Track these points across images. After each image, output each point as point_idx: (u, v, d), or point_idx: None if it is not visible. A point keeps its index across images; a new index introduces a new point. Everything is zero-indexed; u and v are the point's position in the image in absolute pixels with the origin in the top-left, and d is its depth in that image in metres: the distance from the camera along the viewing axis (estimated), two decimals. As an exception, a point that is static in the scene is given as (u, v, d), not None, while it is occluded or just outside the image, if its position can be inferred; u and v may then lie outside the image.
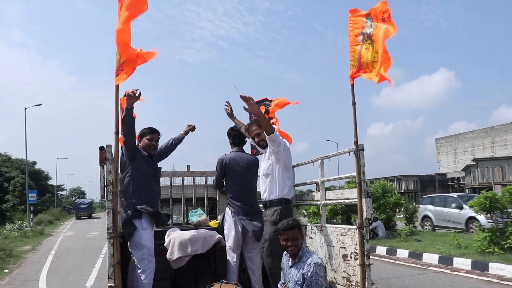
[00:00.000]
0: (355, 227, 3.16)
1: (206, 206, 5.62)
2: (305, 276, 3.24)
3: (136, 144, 4.13)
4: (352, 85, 3.27)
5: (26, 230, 20.40)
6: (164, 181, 5.30)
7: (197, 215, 5.18)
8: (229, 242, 4.47)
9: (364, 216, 3.03)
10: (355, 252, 3.16)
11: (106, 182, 2.62)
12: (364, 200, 3.05)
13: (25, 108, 24.25)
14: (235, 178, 4.48)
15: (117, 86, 2.80)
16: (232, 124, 4.73)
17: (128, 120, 3.67)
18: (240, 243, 4.58)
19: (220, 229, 4.69)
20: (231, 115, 4.58)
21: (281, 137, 4.06)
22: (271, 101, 4.95)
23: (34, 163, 57.16)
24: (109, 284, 2.58)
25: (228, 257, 4.43)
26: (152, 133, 4.13)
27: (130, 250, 3.89)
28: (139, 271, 3.76)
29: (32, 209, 25.48)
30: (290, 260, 3.46)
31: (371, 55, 3.05)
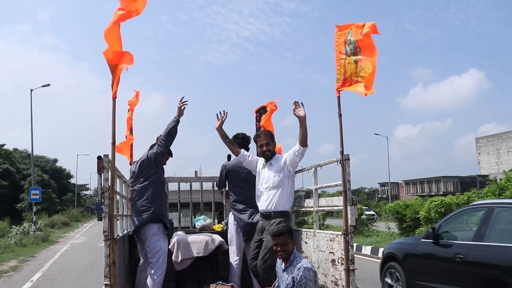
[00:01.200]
0: (341, 233, 3.53)
1: (213, 210, 6.13)
2: (294, 279, 3.59)
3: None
4: (338, 97, 3.59)
5: (30, 235, 19.14)
6: (172, 186, 5.92)
7: (202, 219, 5.69)
8: (232, 246, 4.96)
9: (349, 223, 3.38)
10: (341, 257, 3.48)
11: (103, 189, 3.08)
12: (349, 207, 3.39)
13: (31, 90, 23.82)
14: (238, 184, 4.96)
15: (114, 98, 3.25)
16: (236, 131, 5.15)
17: (175, 131, 4.36)
18: (243, 247, 5.03)
19: (224, 233, 5.19)
20: (221, 124, 4.68)
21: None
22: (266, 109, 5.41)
23: (55, 160, 58.47)
24: (105, 283, 3.00)
25: (231, 260, 4.92)
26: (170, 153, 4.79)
27: (146, 250, 4.41)
28: (152, 271, 4.30)
29: (36, 209, 24.41)
30: (283, 264, 3.87)
31: (354, 68, 3.41)
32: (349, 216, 3.38)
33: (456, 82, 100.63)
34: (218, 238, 4.98)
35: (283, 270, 3.82)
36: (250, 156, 4.72)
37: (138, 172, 4.51)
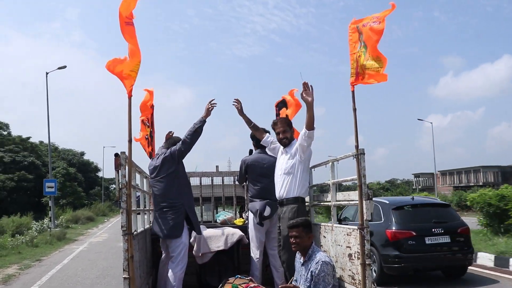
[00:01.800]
0: (357, 227, 3.65)
1: (234, 204, 6.38)
2: (312, 273, 3.75)
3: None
4: (353, 92, 3.69)
5: (45, 233, 17.71)
6: (194, 181, 6.19)
7: (223, 214, 5.93)
8: (252, 240, 5.16)
9: (365, 217, 3.49)
10: (357, 252, 3.61)
11: (120, 185, 3.30)
12: (364, 202, 3.51)
13: (47, 73, 23.22)
14: (257, 178, 5.15)
15: (129, 97, 3.48)
16: (264, 124, 5.31)
17: (200, 131, 4.59)
18: (263, 241, 5.23)
19: (245, 227, 5.40)
20: (240, 111, 5.00)
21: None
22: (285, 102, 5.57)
23: (82, 153, 59.22)
24: (123, 276, 3.24)
25: (252, 254, 5.13)
26: None
27: (168, 244, 4.66)
28: (173, 265, 4.55)
29: (58, 203, 24.36)
30: (302, 258, 4.03)
31: (363, 60, 3.53)
32: (364, 210, 3.50)
33: (488, 69, 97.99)
34: (238, 232, 5.22)
35: (302, 264, 3.98)
36: (274, 142, 4.93)
37: (160, 167, 4.67)
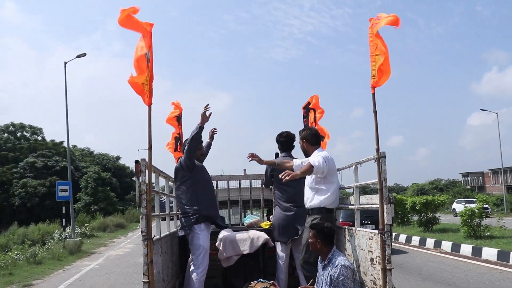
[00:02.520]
0: (377, 231, 3.75)
1: (262, 207, 6.61)
2: (332, 277, 3.90)
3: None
4: (373, 94, 3.79)
5: (57, 245, 16.03)
6: (222, 184, 6.53)
7: (250, 217, 6.15)
8: (278, 243, 5.35)
9: (385, 221, 3.59)
10: (379, 257, 3.68)
11: (141, 191, 3.53)
12: (385, 206, 3.60)
13: (65, 62, 22.53)
14: (282, 182, 5.36)
15: (149, 105, 3.72)
16: (281, 130, 5.59)
17: (198, 137, 4.85)
18: (290, 244, 5.41)
19: (271, 230, 5.57)
20: (261, 161, 5.09)
21: (321, 162, 4.50)
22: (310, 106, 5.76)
23: (118, 158, 60.56)
24: (143, 280, 3.45)
25: (277, 257, 5.33)
26: (202, 143, 5.29)
27: (190, 248, 4.96)
28: (193, 268, 4.85)
29: (71, 209, 21.20)
30: (323, 261, 4.18)
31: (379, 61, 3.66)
32: (385, 214, 3.59)
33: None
34: (263, 236, 5.41)
35: (323, 268, 4.13)
36: (304, 161, 4.93)
37: (175, 177, 5.11)
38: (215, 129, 5.89)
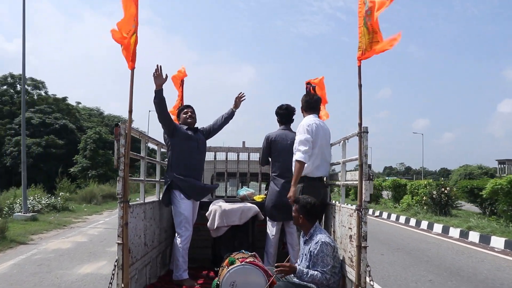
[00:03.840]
0: (354, 208, 4.07)
1: (259, 181, 7.15)
2: (311, 253, 4.27)
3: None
4: (359, 66, 4.04)
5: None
6: (220, 156, 7.08)
7: (244, 190, 6.69)
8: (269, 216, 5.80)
9: (363, 198, 3.90)
10: (356, 234, 4.01)
11: (119, 154, 4.00)
12: (364, 182, 3.92)
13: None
14: (280, 154, 5.75)
15: (131, 69, 4.18)
16: (281, 102, 6.00)
17: (157, 101, 5.13)
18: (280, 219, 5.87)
19: (263, 204, 6.02)
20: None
21: (306, 139, 5.04)
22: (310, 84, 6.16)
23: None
24: (117, 241, 3.85)
25: (268, 231, 5.80)
26: (186, 107, 5.72)
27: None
28: (176, 236, 5.32)
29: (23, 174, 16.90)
30: (304, 236, 4.58)
31: (367, 34, 3.91)
32: (363, 191, 3.92)
33: None
34: (253, 208, 5.88)
35: (304, 243, 4.51)
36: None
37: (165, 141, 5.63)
38: (242, 94, 6.14)
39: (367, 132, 4.00)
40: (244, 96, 5.94)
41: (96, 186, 30.74)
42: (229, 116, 6.08)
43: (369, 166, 4.02)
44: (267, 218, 5.87)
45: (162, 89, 5.08)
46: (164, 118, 5.31)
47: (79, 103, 56.45)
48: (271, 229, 5.81)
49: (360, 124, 4.04)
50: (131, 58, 4.07)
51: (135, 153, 4.59)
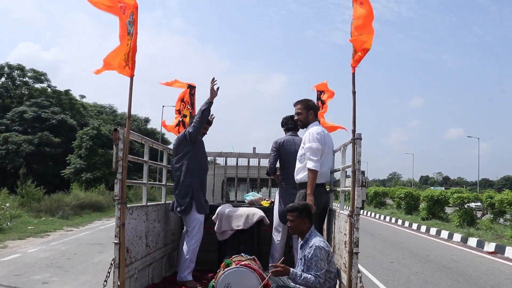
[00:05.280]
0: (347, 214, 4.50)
1: (269, 187, 7.96)
2: (306, 257, 4.78)
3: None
4: (353, 73, 4.53)
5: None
6: (231, 161, 7.99)
7: (252, 195, 7.48)
8: (275, 222, 6.44)
9: (355, 204, 4.36)
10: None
11: (117, 158, 4.54)
12: (357, 188, 4.38)
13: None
14: (288, 159, 6.37)
15: (131, 77, 4.87)
16: (287, 113, 6.70)
17: (207, 113, 5.97)
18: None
19: (270, 209, 6.72)
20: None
21: (317, 148, 5.73)
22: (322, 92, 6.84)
23: (146, 120, 59.57)
24: (114, 241, 4.43)
25: (273, 235, 6.42)
26: (208, 122, 6.42)
27: (184, 220, 6.16)
28: (188, 238, 5.99)
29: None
30: (300, 241, 5.05)
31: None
32: (356, 197, 4.39)
33: None
34: (259, 213, 6.54)
35: (300, 248, 4.99)
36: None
37: (176, 148, 6.19)
38: (214, 80, 6.41)
39: (361, 139, 4.45)
40: (216, 81, 6.24)
41: (82, 192, 28.73)
42: (208, 106, 6.31)
43: (363, 172, 4.61)
44: (274, 222, 6.50)
45: (213, 102, 5.98)
46: (201, 128, 6.14)
47: (83, 96, 53.59)
48: (277, 234, 6.43)
49: (354, 131, 4.54)
50: (131, 66, 4.78)
51: (136, 157, 5.33)
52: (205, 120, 6.05)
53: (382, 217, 33.38)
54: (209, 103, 5.96)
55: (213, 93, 5.98)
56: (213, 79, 5.94)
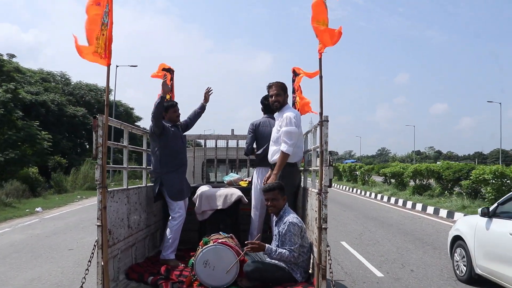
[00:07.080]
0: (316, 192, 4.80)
1: (248, 167, 8.28)
2: (280, 233, 5.11)
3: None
4: (320, 59, 4.80)
5: None
6: (210, 143, 8.31)
7: (230, 176, 7.77)
8: (253, 201, 6.74)
9: (323, 182, 4.66)
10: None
11: (97, 144, 4.77)
12: (324, 168, 4.68)
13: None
14: (264, 141, 6.64)
15: (107, 65, 5.06)
16: (266, 93, 6.79)
17: (159, 106, 6.15)
18: (264, 202, 6.92)
19: (248, 189, 7.03)
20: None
21: (294, 132, 6.00)
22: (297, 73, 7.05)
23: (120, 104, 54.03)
24: (96, 224, 4.71)
25: (252, 215, 6.72)
26: (176, 105, 6.65)
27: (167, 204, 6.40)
28: (170, 219, 6.33)
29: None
30: (275, 218, 5.38)
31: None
32: (323, 176, 4.70)
33: None
34: (237, 193, 6.87)
35: (275, 225, 5.33)
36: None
37: (149, 143, 6.66)
38: (209, 88, 7.21)
39: (328, 121, 4.72)
40: (212, 90, 7.05)
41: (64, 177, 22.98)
42: (201, 110, 7.21)
43: (330, 152, 4.90)
44: (252, 201, 6.81)
45: (165, 97, 6.19)
46: (159, 122, 6.26)
47: (12, 56, 42.35)
48: (255, 213, 6.74)
49: (321, 113, 4.81)
50: (108, 55, 4.97)
51: (116, 143, 5.57)
52: (158, 113, 6.25)
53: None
54: (161, 98, 6.22)
55: (164, 87, 6.38)
56: (165, 74, 6.68)
